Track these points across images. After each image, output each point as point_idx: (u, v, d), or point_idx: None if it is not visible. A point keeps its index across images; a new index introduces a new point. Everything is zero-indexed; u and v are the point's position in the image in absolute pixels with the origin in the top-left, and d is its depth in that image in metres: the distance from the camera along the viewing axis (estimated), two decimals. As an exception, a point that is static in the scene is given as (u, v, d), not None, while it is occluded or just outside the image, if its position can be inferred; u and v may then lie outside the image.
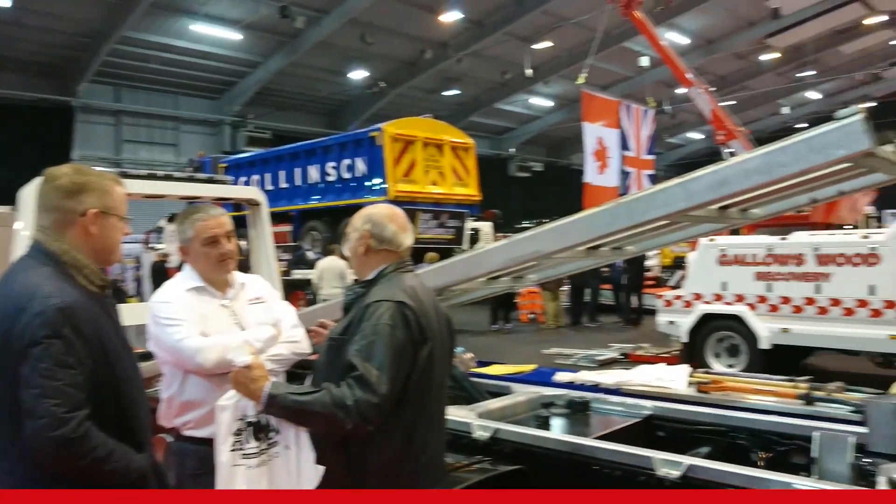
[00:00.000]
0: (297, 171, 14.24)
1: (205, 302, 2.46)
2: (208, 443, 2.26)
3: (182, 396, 2.40)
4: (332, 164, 13.56)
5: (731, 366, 8.40)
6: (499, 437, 3.10)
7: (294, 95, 24.87)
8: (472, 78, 25.81)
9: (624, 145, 14.61)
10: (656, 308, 9.47)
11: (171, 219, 12.92)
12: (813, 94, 32.86)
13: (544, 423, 3.61)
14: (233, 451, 2.19)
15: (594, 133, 14.07)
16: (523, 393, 3.82)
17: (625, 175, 14.71)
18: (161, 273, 12.18)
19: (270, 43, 21.50)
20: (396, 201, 11.79)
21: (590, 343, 11.67)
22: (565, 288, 14.63)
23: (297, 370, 2.73)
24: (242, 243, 3.92)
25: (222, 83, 23.82)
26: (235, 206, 4.87)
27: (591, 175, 13.93)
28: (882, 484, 2.17)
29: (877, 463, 2.47)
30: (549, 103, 30.33)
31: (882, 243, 7.41)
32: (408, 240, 2.33)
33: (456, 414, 3.21)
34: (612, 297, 15.33)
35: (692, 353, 8.62)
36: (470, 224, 14.54)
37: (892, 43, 26.47)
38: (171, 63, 21.23)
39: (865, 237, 7.80)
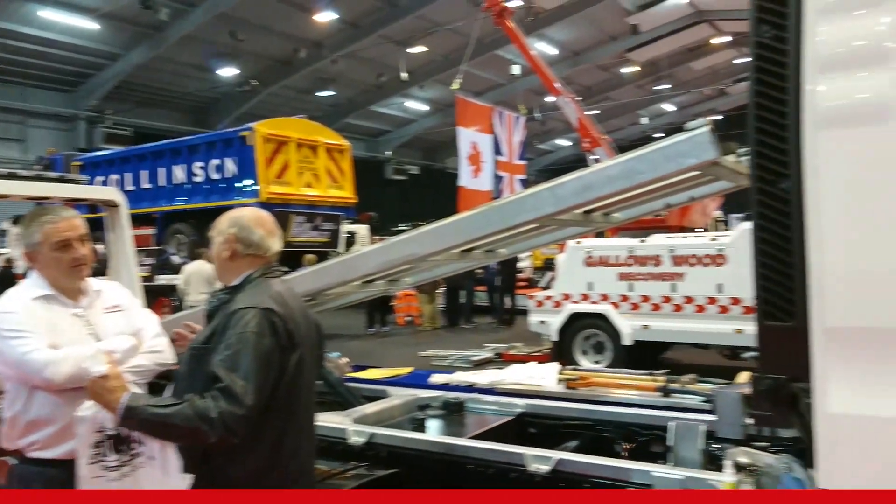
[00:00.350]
0: (162, 171, 13.51)
1: (54, 311, 2.27)
2: (56, 464, 2.09)
3: (27, 415, 2.20)
4: (200, 164, 12.97)
5: (597, 362, 8.83)
6: (375, 441, 3.08)
7: (158, 91, 23.54)
8: (348, 79, 25.60)
9: (497, 150, 15.01)
10: (528, 308, 9.80)
11: (17, 221, 11.88)
12: (668, 106, 35.31)
13: (420, 426, 3.63)
14: (92, 463, 2.06)
15: (468, 138, 14.36)
16: (399, 396, 3.82)
17: (498, 179, 15.12)
18: (7, 279, 11.14)
19: (131, 35, 20.24)
20: (269, 203, 11.47)
21: (465, 344, 11.88)
22: (441, 290, 14.81)
23: (159, 381, 2.58)
24: (100, 248, 3.65)
25: (77, 75, 22.12)
26: (91, 207, 4.54)
27: (466, 179, 14.21)
28: (728, 468, 2.34)
29: (725, 448, 2.67)
30: (425, 107, 30.64)
31: (728, 245, 8.06)
32: (276, 244, 2.27)
33: (330, 420, 3.16)
34: (486, 299, 15.70)
35: (562, 351, 8.99)
36: (345, 227, 14.40)
37: (735, 61, 28.95)
38: (17, 51, 19.47)
39: (714, 239, 8.47)
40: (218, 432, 1.90)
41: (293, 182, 12.70)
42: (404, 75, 23.44)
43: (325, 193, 13.32)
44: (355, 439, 3.08)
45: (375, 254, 3.19)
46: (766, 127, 1.68)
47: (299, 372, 2.14)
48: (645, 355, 8.52)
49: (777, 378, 1.74)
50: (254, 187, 12.18)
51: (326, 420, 3.05)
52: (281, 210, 11.72)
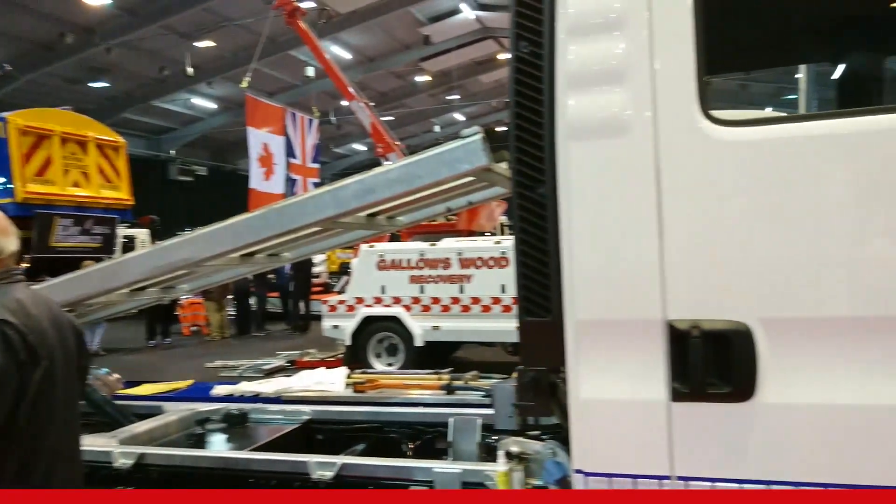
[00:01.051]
0: None
1: None
2: None
3: None
4: (-61, 157, 11.16)
5: (390, 364, 8.98)
6: (145, 462, 2.84)
7: None
8: (125, 71, 23.52)
9: (290, 153, 14.69)
10: (322, 313, 9.70)
11: None
12: (459, 116, 36.96)
13: (199, 442, 3.42)
14: None
15: (259, 139, 13.90)
16: (176, 412, 3.57)
17: (291, 182, 14.80)
18: None
19: None
20: (27, 204, 10.20)
21: (257, 353, 11.47)
22: (231, 297, 14.16)
23: None
24: None
25: None
26: None
27: (257, 181, 13.74)
28: (501, 457, 2.48)
29: (501, 439, 2.83)
30: (213, 105, 29.11)
31: (511, 248, 8.58)
32: (11, 244, 2.00)
33: (93, 443, 2.87)
34: (280, 305, 15.29)
35: (356, 355, 9.01)
36: (122, 231, 13.21)
37: (518, 77, 30.92)
38: None
39: (498, 242, 9.00)
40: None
41: (57, 181, 11.36)
42: (190, 70, 22.09)
43: (96, 194, 12.08)
44: (122, 461, 2.83)
45: (142, 259, 2.94)
46: (525, 136, 1.80)
47: (48, 389, 1.90)
48: (437, 355, 8.81)
49: (538, 370, 1.86)
50: (7, 186, 10.72)
51: (89, 443, 2.76)
52: (43, 212, 10.47)
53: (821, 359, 1.60)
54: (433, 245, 9.02)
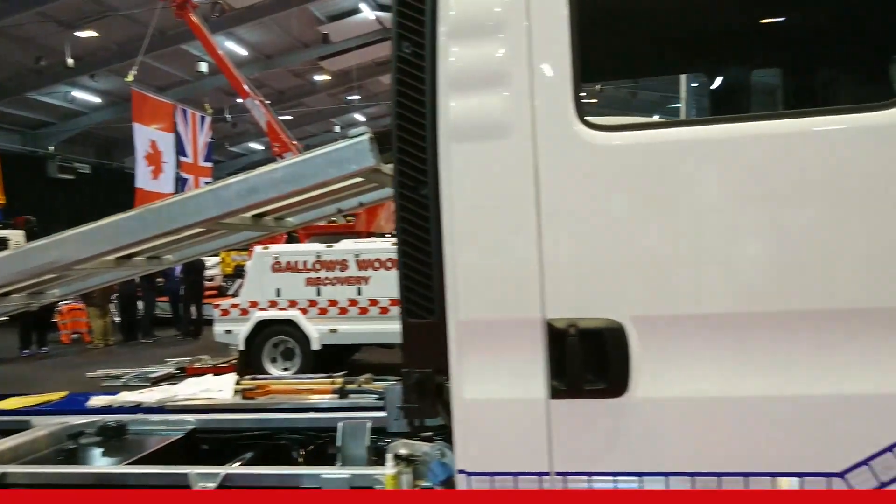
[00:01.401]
0: None
1: None
2: None
3: None
4: None
5: (287, 369, 8.79)
6: (6, 482, 2.62)
7: None
8: (-3, 60, 21.87)
9: (181, 151, 14.11)
10: (213, 318, 9.37)
11: None
12: (360, 116, 36.68)
13: (71, 457, 3.20)
14: None
15: (147, 136, 13.27)
16: (45, 426, 3.32)
17: (182, 182, 14.22)
18: None
19: None
20: None
21: (145, 360, 10.93)
22: (116, 301, 13.42)
23: None
24: None
25: None
26: None
27: (144, 180, 13.11)
28: (390, 460, 2.46)
29: (392, 442, 2.81)
30: (97, 99, 27.48)
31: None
32: None
33: (-54, 464, 2.62)
34: (169, 310, 14.64)
35: (250, 361, 8.75)
36: (-7, 232, 12.27)
37: (419, 79, 31.07)
38: None
39: (395, 244, 8.97)
40: None
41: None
42: (70, 61, 20.77)
43: (-39, 192, 11.18)
44: (-21, 483, 2.60)
45: (1, 263, 2.72)
46: (408, 137, 1.79)
47: None
48: (335, 358, 8.69)
49: (423, 371, 1.86)
50: None
51: (-63, 467, 2.53)
52: None
53: (688, 354, 1.68)
54: (330, 246, 8.90)
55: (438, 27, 1.75)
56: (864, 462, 1.60)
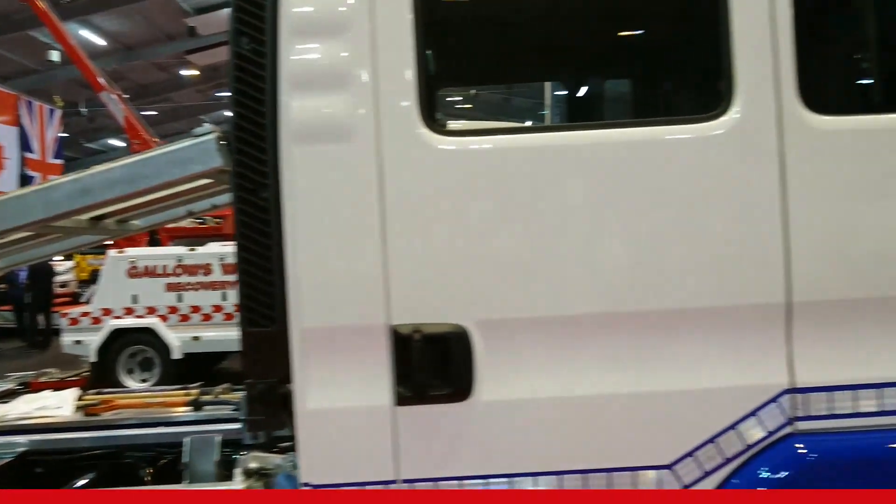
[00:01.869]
0: None
1: None
2: None
3: None
4: None
5: (145, 380, 8.30)
6: None
7: None
8: None
9: (26, 146, 12.98)
10: (61, 328, 8.68)
11: None
12: (230, 113, 35.31)
13: None
14: None
15: (-15, 129, 12.10)
16: None
17: (28, 179, 13.09)
18: None
19: None
20: None
21: (-18, 375, 9.92)
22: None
23: None
24: None
25: None
26: None
27: (-17, 177, 11.95)
28: (238, 475, 2.35)
29: (245, 455, 2.69)
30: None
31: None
32: None
33: None
34: (13, 319, 13.45)
35: (104, 373, 8.17)
36: None
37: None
38: None
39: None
40: None
41: None
42: None
43: None
44: None
45: None
46: (247, 137, 1.72)
47: None
48: (199, 368, 8.28)
49: (267, 381, 1.78)
50: None
51: None
52: None
53: (530, 357, 1.72)
54: (193, 250, 8.49)
55: (280, 24, 1.68)
56: (690, 453, 1.70)
